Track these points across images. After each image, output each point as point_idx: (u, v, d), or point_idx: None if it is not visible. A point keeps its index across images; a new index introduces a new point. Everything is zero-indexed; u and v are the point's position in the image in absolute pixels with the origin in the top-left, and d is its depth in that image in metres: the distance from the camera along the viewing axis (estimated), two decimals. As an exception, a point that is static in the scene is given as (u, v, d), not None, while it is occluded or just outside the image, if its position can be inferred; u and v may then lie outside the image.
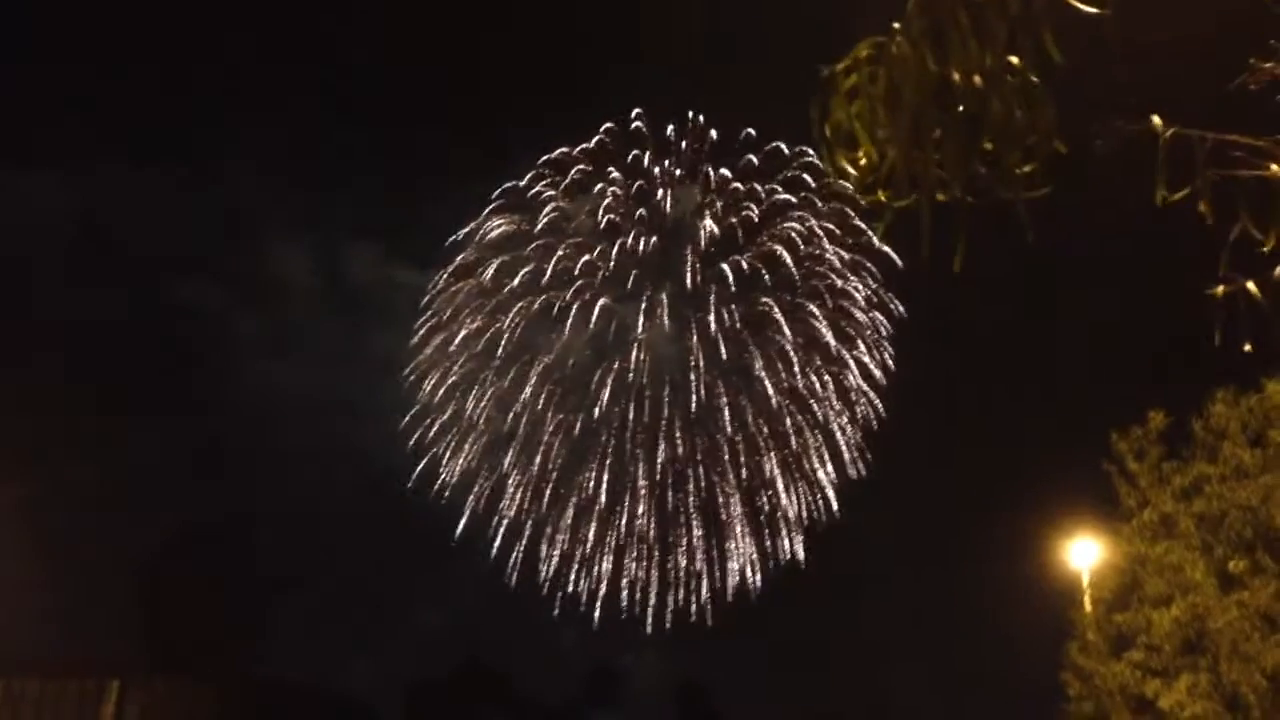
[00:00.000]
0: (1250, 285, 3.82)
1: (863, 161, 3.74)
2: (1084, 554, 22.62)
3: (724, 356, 52.51)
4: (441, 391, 53.09)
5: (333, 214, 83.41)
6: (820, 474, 52.40)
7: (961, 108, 3.57)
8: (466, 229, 53.54)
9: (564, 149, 53.73)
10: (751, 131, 53.09)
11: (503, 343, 52.82)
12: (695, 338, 53.03)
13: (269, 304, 78.20)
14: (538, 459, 53.08)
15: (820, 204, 52.28)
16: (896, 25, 3.60)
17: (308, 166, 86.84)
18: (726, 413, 53.06)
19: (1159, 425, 21.80)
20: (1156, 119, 3.71)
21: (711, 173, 53.36)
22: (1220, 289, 3.91)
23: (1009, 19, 3.55)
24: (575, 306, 52.63)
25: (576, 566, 52.83)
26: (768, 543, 52.86)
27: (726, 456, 53.23)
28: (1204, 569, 20.19)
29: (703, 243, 52.83)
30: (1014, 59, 3.57)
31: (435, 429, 52.90)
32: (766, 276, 52.69)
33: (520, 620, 55.59)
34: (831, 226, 52.23)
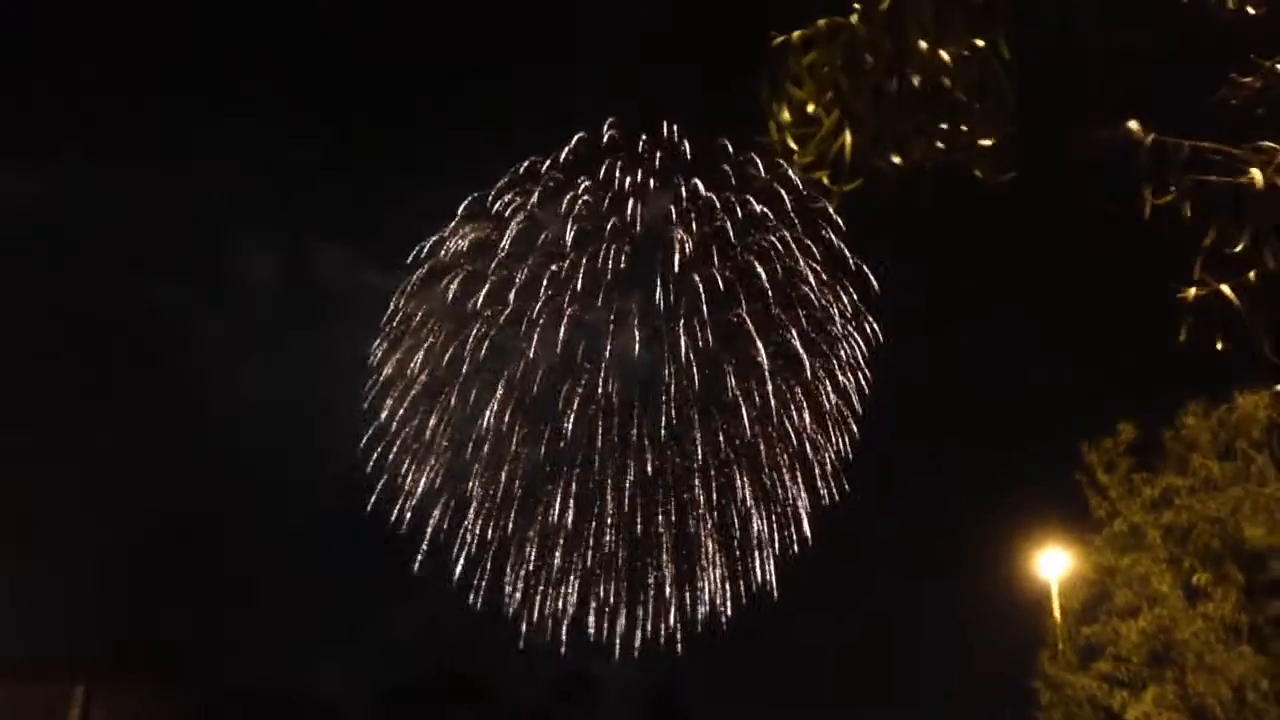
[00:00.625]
0: (1224, 288, 3.86)
1: (812, 128, 3.77)
2: (1053, 564, 22.74)
3: (695, 374, 51.94)
4: (403, 409, 52.28)
5: (301, 216, 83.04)
6: (792, 492, 51.95)
7: (918, 82, 3.63)
8: (433, 239, 52.81)
9: (535, 157, 53.10)
10: (726, 143, 52.70)
11: (466, 358, 52.11)
12: (667, 352, 52.38)
13: (236, 304, 77.66)
14: (502, 479, 52.31)
15: (795, 216, 51.97)
16: (858, 5, 3.67)
17: (278, 168, 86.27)
18: (698, 432, 52.43)
19: (1129, 437, 21.95)
20: (1135, 124, 3.77)
21: (684, 184, 52.97)
22: (1192, 291, 3.95)
23: (969, 9, 3.62)
24: (543, 320, 51.94)
25: (543, 592, 52.10)
26: (737, 553, 52.39)
27: (698, 478, 52.61)
28: (1171, 581, 20.35)
29: (675, 256, 52.32)
30: (978, 41, 3.63)
31: (396, 448, 52.01)
32: (741, 293, 52.09)
33: (489, 632, 55.10)
34: (807, 240, 51.94)
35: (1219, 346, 3.84)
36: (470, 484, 51.79)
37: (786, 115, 3.74)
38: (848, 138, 3.67)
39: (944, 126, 3.70)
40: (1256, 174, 3.77)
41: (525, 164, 52.90)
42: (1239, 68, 4.14)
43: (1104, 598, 21.53)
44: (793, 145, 3.75)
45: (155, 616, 45.48)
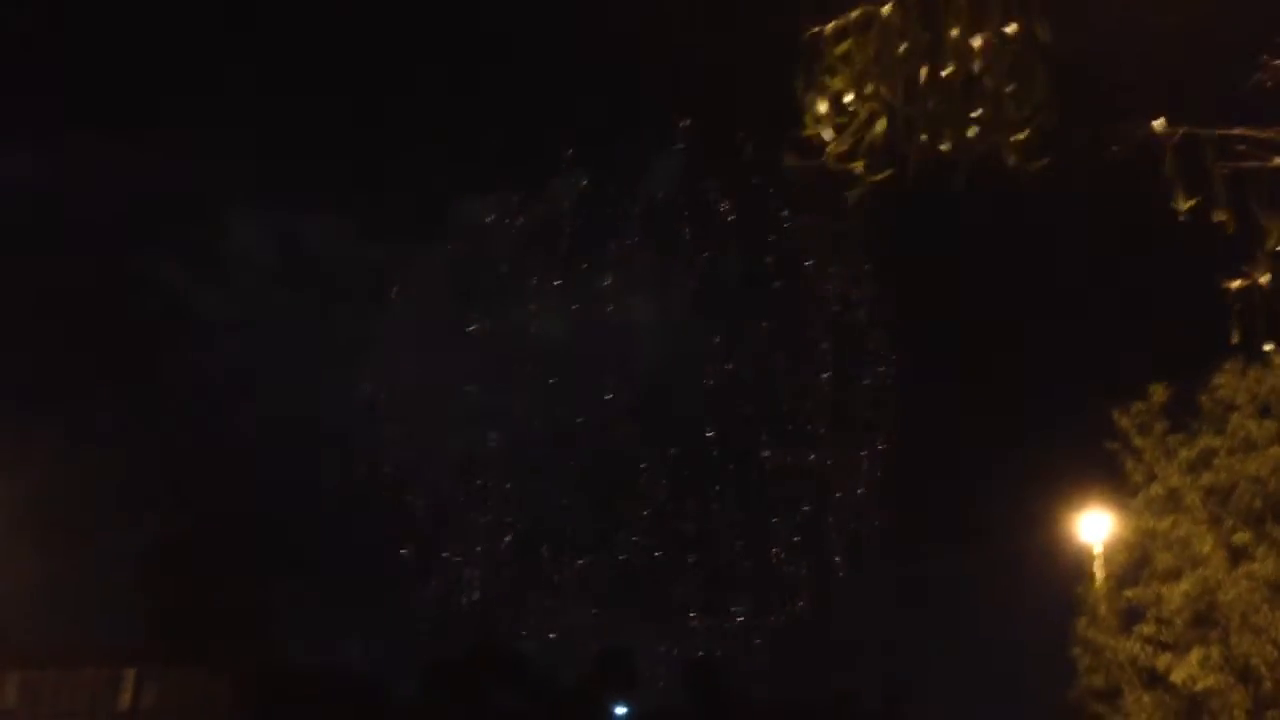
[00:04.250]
0: (1263, 280, 3.86)
1: (847, 118, 3.76)
2: (1095, 527, 22.55)
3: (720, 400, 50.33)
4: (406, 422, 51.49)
5: (301, 191, 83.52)
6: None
7: (953, 70, 3.61)
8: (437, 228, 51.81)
9: (544, 164, 51.92)
10: (747, 145, 51.27)
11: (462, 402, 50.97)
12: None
13: (236, 279, 78.32)
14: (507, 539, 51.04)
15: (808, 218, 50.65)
16: None
17: (277, 143, 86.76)
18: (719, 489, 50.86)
19: (1161, 399, 21.68)
20: (1160, 123, 3.75)
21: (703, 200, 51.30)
22: (1236, 283, 3.96)
23: None
24: (544, 324, 50.73)
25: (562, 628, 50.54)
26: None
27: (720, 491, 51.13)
28: (1213, 542, 20.16)
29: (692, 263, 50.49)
30: (1011, 27, 3.61)
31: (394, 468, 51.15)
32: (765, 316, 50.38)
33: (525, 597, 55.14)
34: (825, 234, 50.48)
35: (1266, 347, 3.85)
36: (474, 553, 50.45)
37: (822, 107, 3.73)
38: (881, 125, 3.66)
39: (976, 114, 3.67)
40: None
41: (531, 169, 51.85)
42: (1269, 49, 4.08)
43: (1144, 562, 21.39)
44: (826, 135, 3.74)
45: (200, 599, 46.20)
